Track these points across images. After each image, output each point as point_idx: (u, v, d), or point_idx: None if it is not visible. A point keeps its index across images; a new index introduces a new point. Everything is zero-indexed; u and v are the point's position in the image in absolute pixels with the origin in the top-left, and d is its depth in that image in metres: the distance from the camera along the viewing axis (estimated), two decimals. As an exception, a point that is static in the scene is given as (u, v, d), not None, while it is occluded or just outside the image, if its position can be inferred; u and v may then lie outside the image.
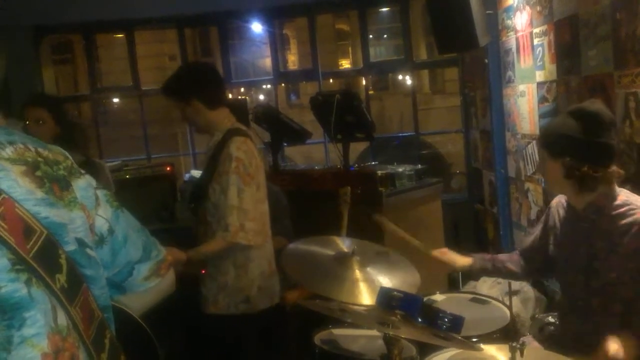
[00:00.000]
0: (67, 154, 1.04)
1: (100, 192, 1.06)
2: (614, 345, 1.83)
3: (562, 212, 2.19)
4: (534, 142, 3.89)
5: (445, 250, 2.56)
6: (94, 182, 1.06)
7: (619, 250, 1.94)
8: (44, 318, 0.85)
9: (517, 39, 4.04)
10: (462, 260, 2.48)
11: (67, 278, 0.90)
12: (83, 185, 1.02)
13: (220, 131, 2.52)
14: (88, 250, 0.98)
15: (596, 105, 2.03)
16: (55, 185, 0.95)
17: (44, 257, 0.88)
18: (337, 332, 2.28)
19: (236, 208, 2.38)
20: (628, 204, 1.97)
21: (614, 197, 2.00)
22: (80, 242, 0.96)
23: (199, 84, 2.52)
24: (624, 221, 1.94)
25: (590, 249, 2.02)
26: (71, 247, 0.94)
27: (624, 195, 2.01)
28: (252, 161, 2.45)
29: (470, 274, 2.57)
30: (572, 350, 1.87)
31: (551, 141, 2.03)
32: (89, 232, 0.99)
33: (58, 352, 0.86)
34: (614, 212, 1.97)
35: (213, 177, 2.46)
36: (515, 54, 4.10)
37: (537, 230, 2.37)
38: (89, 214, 1.00)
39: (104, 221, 1.05)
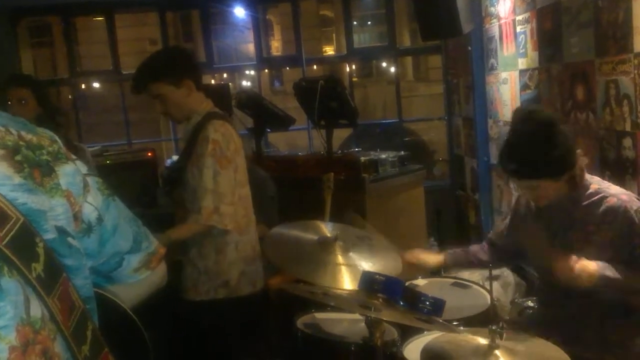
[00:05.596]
0: (55, 137, 0.99)
1: (90, 179, 1.02)
2: (580, 262, 1.86)
3: (533, 202, 2.18)
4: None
5: (416, 251, 2.53)
6: (84, 169, 1.01)
7: (594, 240, 1.96)
8: (13, 310, 0.81)
9: (500, 26, 4.05)
10: (434, 259, 2.48)
11: (45, 267, 0.86)
12: (70, 171, 0.97)
13: (198, 114, 2.50)
14: (69, 239, 0.93)
15: (540, 110, 2.05)
16: (36, 170, 0.91)
17: (19, 244, 0.83)
18: (320, 315, 2.29)
19: (210, 191, 2.34)
20: (600, 192, 1.98)
21: (586, 186, 2.00)
22: (61, 231, 0.92)
23: (191, 64, 2.56)
24: (598, 210, 1.95)
25: (566, 240, 2.03)
26: (50, 235, 0.90)
27: (595, 184, 2.01)
28: (229, 144, 2.42)
29: (445, 270, 2.56)
30: (552, 333, 1.90)
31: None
32: (71, 220, 0.95)
33: (27, 345, 0.82)
34: (588, 202, 1.98)
35: (190, 161, 2.43)
36: (498, 42, 4.11)
37: (506, 220, 2.37)
38: (74, 201, 0.96)
39: (93, 209, 1.01)
